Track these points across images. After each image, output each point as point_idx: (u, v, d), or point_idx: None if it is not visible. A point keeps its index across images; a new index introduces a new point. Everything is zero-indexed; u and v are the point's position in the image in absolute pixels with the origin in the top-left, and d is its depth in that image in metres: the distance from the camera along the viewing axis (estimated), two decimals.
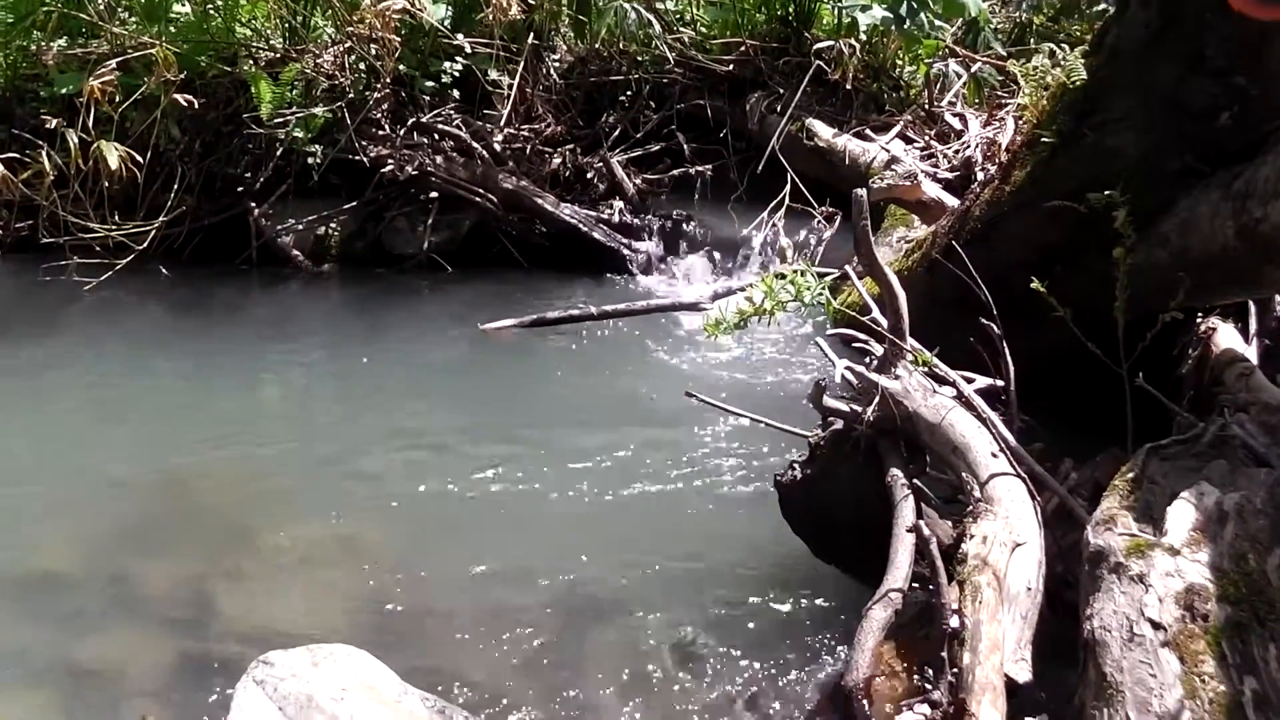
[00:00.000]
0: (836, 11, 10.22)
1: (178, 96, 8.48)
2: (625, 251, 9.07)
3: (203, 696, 4.04)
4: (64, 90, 8.66)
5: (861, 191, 4.35)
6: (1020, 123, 7.99)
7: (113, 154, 8.14)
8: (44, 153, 8.29)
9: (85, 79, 8.34)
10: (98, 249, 8.42)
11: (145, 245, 8.48)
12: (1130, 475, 3.42)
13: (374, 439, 6.26)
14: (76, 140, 8.21)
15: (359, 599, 4.72)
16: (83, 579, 4.90)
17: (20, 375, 7.02)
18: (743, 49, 10.47)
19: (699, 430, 6.08)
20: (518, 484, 5.70)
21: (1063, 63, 5.55)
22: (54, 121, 8.23)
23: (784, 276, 4.56)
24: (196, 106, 8.64)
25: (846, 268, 5.14)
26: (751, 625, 4.54)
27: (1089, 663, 2.93)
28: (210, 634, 4.49)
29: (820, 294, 4.52)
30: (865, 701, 3.56)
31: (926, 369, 4.41)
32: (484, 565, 4.96)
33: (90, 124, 8.31)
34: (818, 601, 4.63)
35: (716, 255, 9.04)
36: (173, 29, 9.17)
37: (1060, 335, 4.57)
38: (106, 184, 8.34)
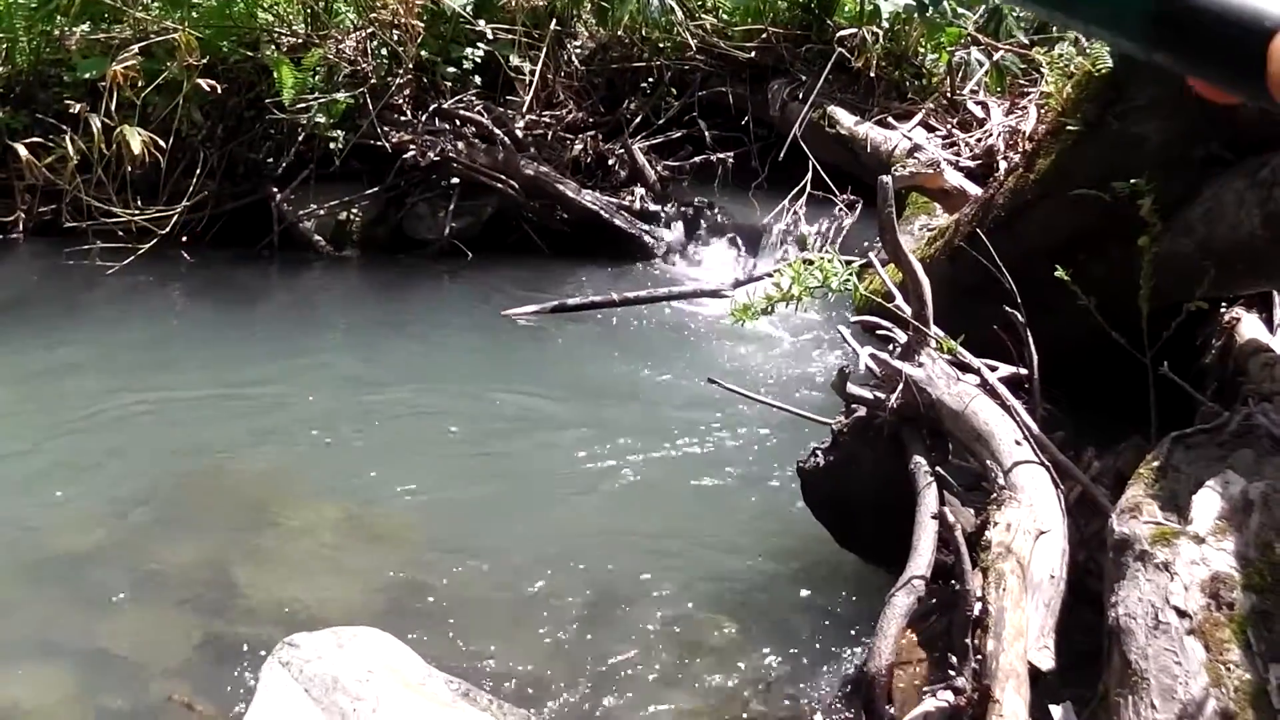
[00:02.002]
0: None
1: (200, 81, 8.49)
2: (646, 238, 9.06)
3: (228, 677, 4.07)
4: (87, 75, 8.67)
5: (887, 179, 4.35)
6: (1043, 111, 7.97)
7: (135, 139, 8.16)
8: (67, 137, 8.32)
9: (108, 64, 8.36)
10: (120, 233, 8.43)
11: (167, 230, 8.49)
12: (1155, 464, 3.42)
13: (396, 424, 6.29)
14: (100, 125, 8.23)
15: (382, 582, 4.74)
16: (105, 560, 4.93)
17: (42, 357, 7.04)
18: (764, 36, 10.45)
19: (720, 416, 6.09)
20: (539, 469, 5.73)
21: (1088, 50, 5.54)
22: (78, 106, 8.26)
23: (812, 262, 4.56)
24: (219, 91, 8.65)
25: (870, 255, 5.15)
26: (773, 611, 4.55)
27: (1113, 650, 2.93)
28: (234, 616, 4.52)
29: (847, 280, 4.52)
30: (887, 688, 3.57)
31: (950, 356, 4.41)
32: (505, 549, 4.99)
33: (113, 109, 8.34)
34: (838, 587, 4.65)
35: (738, 242, 9.02)
36: (195, 14, 9.16)
37: (1082, 324, 4.57)
38: (129, 169, 8.36)
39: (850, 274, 4.58)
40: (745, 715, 3.99)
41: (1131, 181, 4.66)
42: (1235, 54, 0.74)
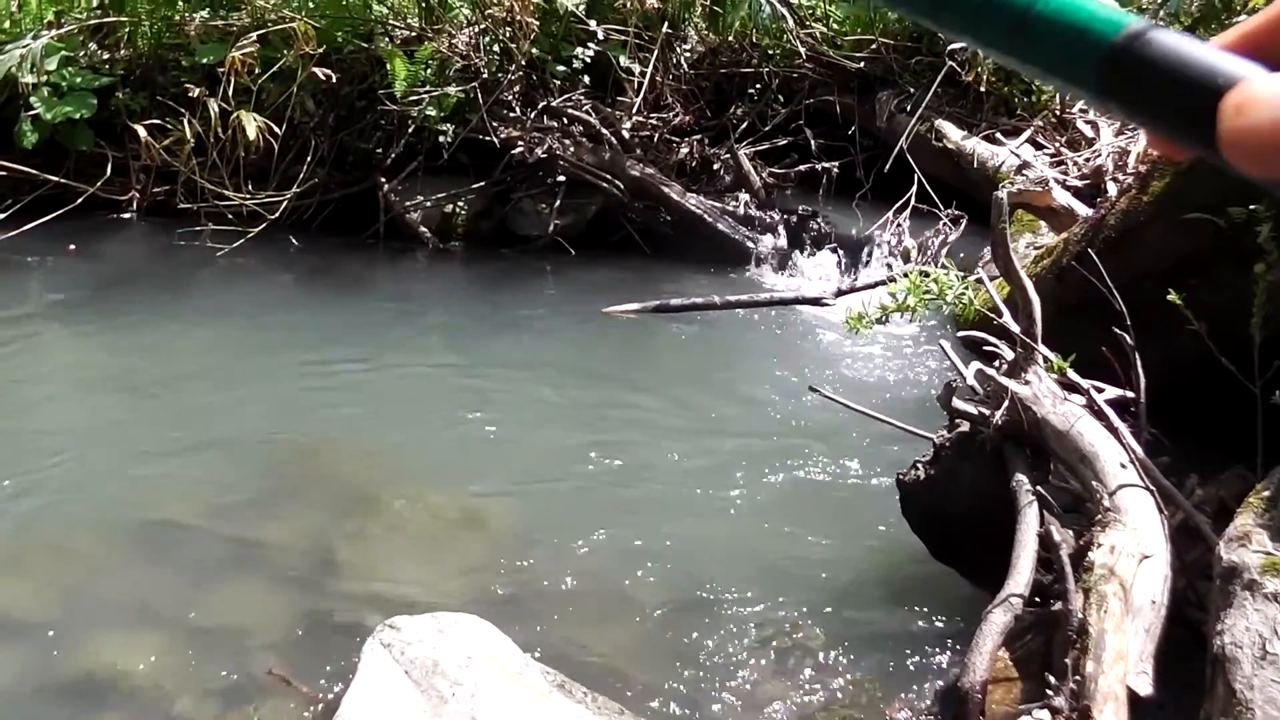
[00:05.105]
0: None
1: (315, 70, 8.62)
2: (749, 243, 9.05)
3: (326, 655, 4.14)
4: (205, 60, 8.84)
5: (1002, 194, 4.35)
6: None
7: (252, 124, 8.32)
8: (185, 121, 8.49)
9: (227, 50, 8.52)
10: (230, 216, 8.58)
11: (277, 215, 8.63)
12: (1265, 493, 3.39)
13: (495, 413, 6.34)
14: (217, 109, 8.38)
15: (480, 569, 4.80)
16: (207, 534, 5.03)
17: (150, 334, 7.19)
18: (874, 46, 10.44)
19: (818, 424, 6.08)
20: (636, 465, 5.75)
21: None
22: (197, 90, 8.42)
23: (927, 274, 4.57)
24: (332, 81, 8.79)
25: (979, 270, 5.13)
26: (865, 621, 4.55)
27: (1217, 678, 2.91)
28: (333, 595, 4.59)
29: (961, 294, 4.52)
30: (980, 705, 3.57)
31: (1058, 375, 4.39)
32: (601, 543, 5.02)
33: (230, 94, 8.49)
34: (933, 601, 4.62)
35: (840, 252, 9.00)
36: (311, 4, 9.32)
37: (1189, 349, 4.53)
38: (243, 153, 8.51)
39: (965, 288, 4.58)
40: None
41: (1250, 207, 4.61)
42: (1186, 108, 0.75)
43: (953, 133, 9.51)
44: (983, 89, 9.93)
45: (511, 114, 9.34)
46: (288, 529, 5.06)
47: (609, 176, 9.09)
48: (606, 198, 9.15)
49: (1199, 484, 4.35)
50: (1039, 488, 4.17)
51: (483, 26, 9.37)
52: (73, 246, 8.25)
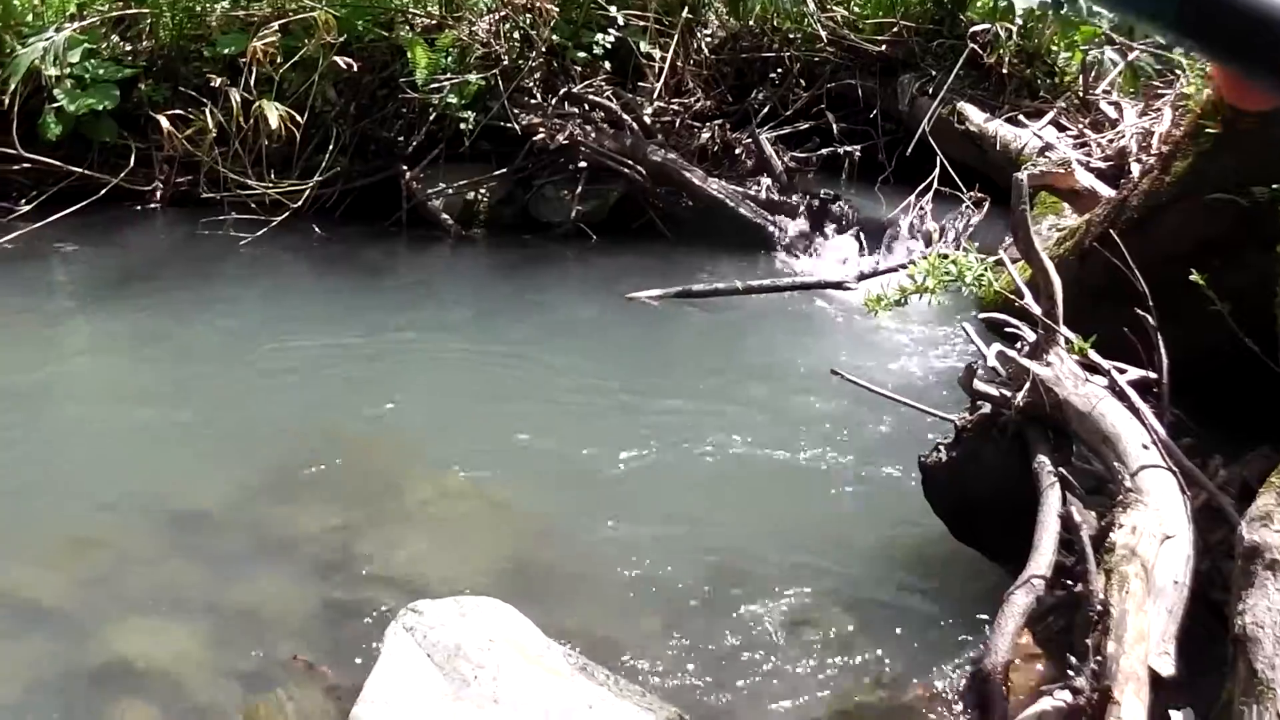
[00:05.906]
0: None
1: (336, 59, 8.63)
2: (771, 228, 9.02)
3: (349, 640, 4.16)
4: (226, 50, 8.86)
5: (1022, 176, 4.35)
6: (1178, 114, 7.85)
7: (274, 113, 8.33)
8: (207, 111, 8.51)
9: (248, 40, 8.54)
10: (253, 206, 8.61)
11: (299, 204, 8.65)
12: None
13: (520, 399, 6.36)
14: (239, 99, 8.41)
15: (501, 554, 4.81)
16: (231, 522, 5.06)
17: (172, 324, 7.22)
18: (895, 29, 10.39)
19: (841, 408, 6.08)
20: (658, 448, 5.75)
21: None
22: (219, 80, 8.44)
23: (946, 256, 4.57)
24: (353, 70, 8.79)
25: (1001, 253, 5.12)
26: (889, 604, 4.55)
27: (1239, 658, 2.91)
28: (356, 581, 4.62)
29: (981, 276, 4.51)
30: (1002, 685, 3.57)
31: (1079, 357, 4.38)
32: (623, 527, 5.04)
33: (251, 84, 8.52)
34: (955, 583, 4.63)
35: (863, 236, 8.96)
36: None
37: (1212, 330, 4.52)
38: (265, 143, 8.53)
39: (984, 269, 4.57)
40: (858, 706, 4.01)
41: (1273, 186, 4.58)
42: (1261, 43, 0.77)
43: (975, 115, 9.46)
44: (1005, 71, 9.88)
45: (532, 101, 9.33)
46: (310, 515, 5.08)
47: (630, 162, 9.07)
48: (628, 184, 9.12)
49: (1223, 464, 4.34)
50: (1061, 469, 4.17)
51: (503, 13, 9.36)
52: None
